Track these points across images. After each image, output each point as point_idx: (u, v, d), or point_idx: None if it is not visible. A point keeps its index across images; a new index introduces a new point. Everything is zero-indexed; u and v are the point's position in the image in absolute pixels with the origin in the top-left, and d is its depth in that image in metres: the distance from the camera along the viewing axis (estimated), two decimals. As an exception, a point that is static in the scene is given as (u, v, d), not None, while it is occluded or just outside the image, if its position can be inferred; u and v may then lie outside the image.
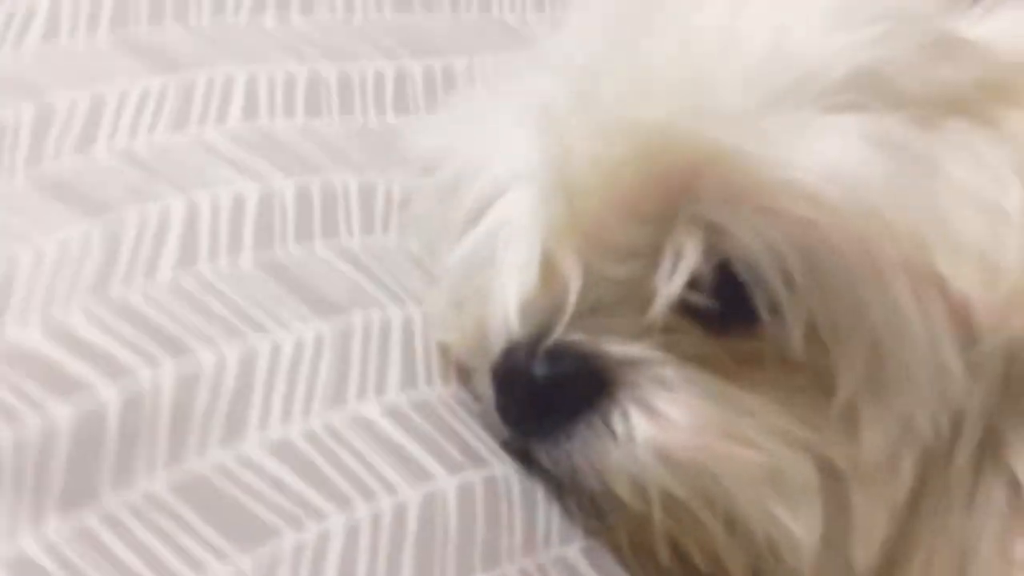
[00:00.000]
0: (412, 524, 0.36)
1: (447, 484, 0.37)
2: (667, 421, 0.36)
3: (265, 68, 0.46)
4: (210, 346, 0.36)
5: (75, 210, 0.38)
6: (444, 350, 0.41)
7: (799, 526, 0.37)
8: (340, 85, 0.48)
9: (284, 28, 0.49)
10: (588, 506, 0.39)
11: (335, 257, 0.41)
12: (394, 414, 0.38)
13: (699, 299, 0.35)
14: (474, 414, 0.40)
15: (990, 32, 0.40)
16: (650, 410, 0.36)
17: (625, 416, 0.37)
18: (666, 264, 0.35)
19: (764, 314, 0.35)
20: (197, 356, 0.36)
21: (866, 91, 0.35)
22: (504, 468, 0.39)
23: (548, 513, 0.39)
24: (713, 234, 0.35)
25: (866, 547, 0.38)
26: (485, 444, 0.39)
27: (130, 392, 0.34)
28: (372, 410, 0.37)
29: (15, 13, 0.44)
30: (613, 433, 0.37)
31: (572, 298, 0.36)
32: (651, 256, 0.35)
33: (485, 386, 0.39)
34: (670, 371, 0.37)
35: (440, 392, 0.40)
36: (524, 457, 0.39)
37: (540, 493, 0.39)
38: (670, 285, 0.35)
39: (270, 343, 0.37)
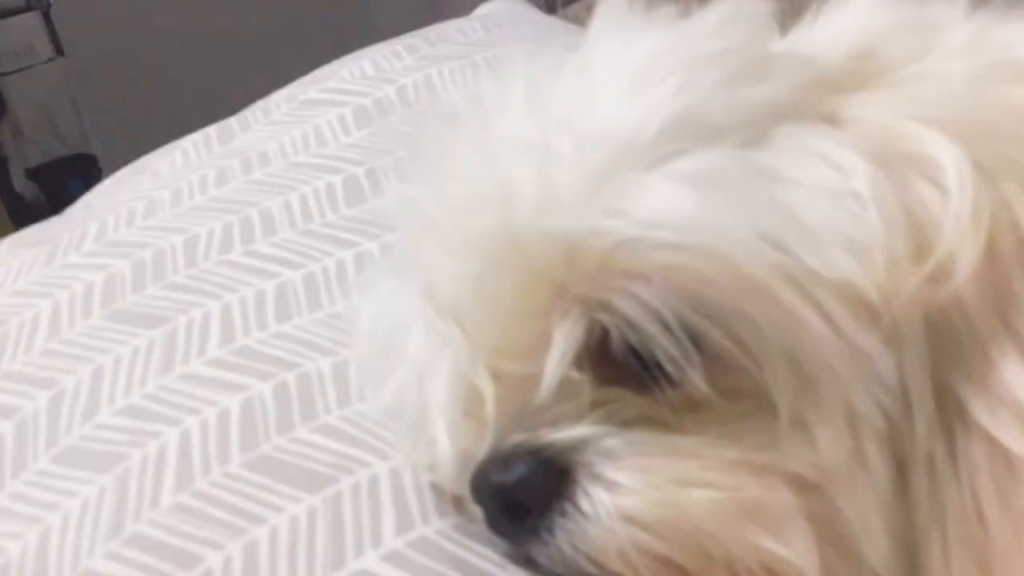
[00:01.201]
0: (429, 655, 0.38)
1: (458, 609, 0.39)
2: (622, 487, 0.37)
3: (237, 295, 0.52)
4: (216, 549, 0.40)
5: (89, 471, 0.44)
6: (436, 487, 0.43)
7: (792, 551, 0.37)
8: (306, 286, 0.53)
9: (252, 256, 0.55)
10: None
11: (317, 436, 0.45)
12: (393, 559, 0.40)
13: (594, 370, 0.38)
14: (479, 536, 0.43)
15: (816, 36, 0.43)
16: (606, 482, 0.38)
17: (587, 494, 0.38)
18: (551, 350, 0.37)
19: (667, 365, 0.37)
20: (206, 561, 0.40)
21: (681, 138, 0.37)
22: (514, 579, 0.41)
23: (567, 609, 0.40)
24: (593, 310, 0.37)
25: (873, 547, 0.38)
26: (493, 561, 0.41)
27: (154, 610, 0.39)
28: (371, 561, 0.40)
29: (24, 321, 0.52)
30: (584, 514, 0.38)
31: (490, 408, 0.38)
32: (548, 346, 0.38)
33: (474, 507, 0.42)
34: (614, 440, 0.38)
35: (439, 526, 0.42)
36: (530, 563, 0.41)
37: (555, 593, 0.41)
38: (552, 367, 0.37)
39: (268, 530, 0.41)
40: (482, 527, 0.42)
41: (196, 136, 0.68)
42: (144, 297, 0.53)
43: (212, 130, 0.68)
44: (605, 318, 0.37)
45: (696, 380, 0.37)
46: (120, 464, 0.44)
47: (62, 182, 1.75)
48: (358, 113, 0.66)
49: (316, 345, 0.49)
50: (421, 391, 0.41)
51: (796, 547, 0.37)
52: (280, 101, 0.70)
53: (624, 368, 0.39)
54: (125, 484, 0.43)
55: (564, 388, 0.39)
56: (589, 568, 0.39)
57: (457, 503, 0.43)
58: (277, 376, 0.47)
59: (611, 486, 0.38)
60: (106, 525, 0.41)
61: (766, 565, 0.37)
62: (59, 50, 1.77)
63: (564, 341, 0.37)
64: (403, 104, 0.67)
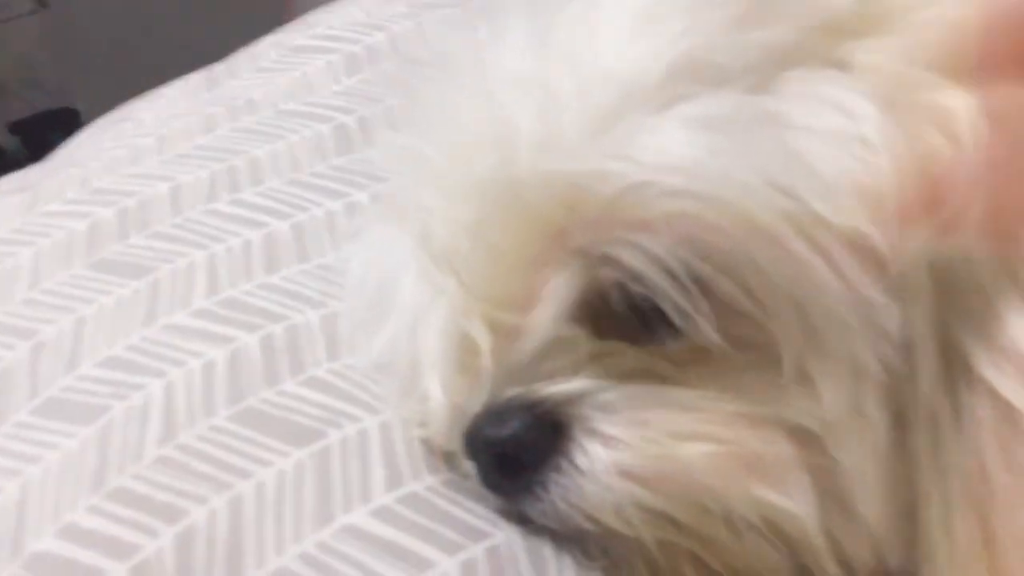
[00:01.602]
0: (420, 612, 0.37)
1: (449, 565, 0.38)
2: (618, 442, 0.37)
3: (223, 245, 0.51)
4: (201, 504, 0.39)
5: (71, 423, 0.43)
6: (427, 442, 0.42)
7: (791, 502, 0.36)
8: (295, 236, 0.52)
9: (238, 206, 0.53)
10: (597, 548, 0.39)
11: (304, 389, 0.44)
12: (383, 514, 0.39)
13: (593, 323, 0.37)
14: (470, 492, 0.42)
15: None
16: (602, 436, 0.37)
17: (583, 449, 0.37)
18: (546, 302, 0.36)
19: (673, 317, 0.36)
20: (191, 516, 0.39)
21: (686, 80, 0.36)
22: (507, 535, 0.40)
23: (559, 566, 0.40)
24: (594, 265, 0.36)
25: (869, 501, 0.37)
26: (485, 518, 0.41)
27: (137, 565, 0.37)
28: (360, 517, 0.39)
29: (5, 270, 0.50)
30: (580, 469, 0.37)
31: (486, 360, 0.37)
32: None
33: (467, 463, 0.41)
34: (611, 394, 0.37)
35: (429, 482, 0.41)
36: (523, 519, 0.40)
37: (548, 549, 0.40)
38: (546, 320, 0.36)
39: (254, 484, 0.40)
40: (474, 483, 0.41)
41: (181, 82, 0.66)
42: (128, 246, 0.51)
43: (198, 76, 0.67)
44: (608, 274, 0.36)
45: (706, 329, 0.36)
46: (103, 416, 0.43)
47: (44, 136, 1.73)
48: (348, 60, 0.65)
49: (304, 297, 0.48)
50: (413, 342, 0.39)
51: (796, 498, 0.36)
52: (268, 48, 0.68)
53: (623, 320, 0.38)
54: (108, 437, 0.42)
55: (560, 341, 0.38)
56: (585, 524, 0.38)
57: (447, 459, 0.42)
58: (264, 328, 0.46)
59: (607, 441, 0.37)
60: (88, 478, 0.40)
61: (766, 517, 0.37)
62: (41, 2, 1.74)
63: (560, 294, 0.36)
64: (394, 51, 0.65)
